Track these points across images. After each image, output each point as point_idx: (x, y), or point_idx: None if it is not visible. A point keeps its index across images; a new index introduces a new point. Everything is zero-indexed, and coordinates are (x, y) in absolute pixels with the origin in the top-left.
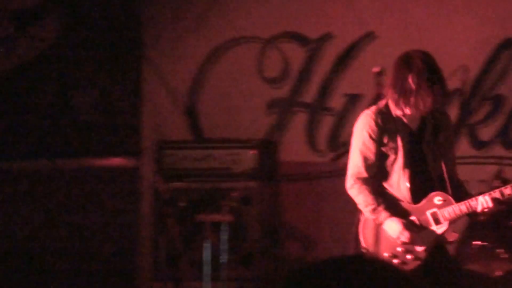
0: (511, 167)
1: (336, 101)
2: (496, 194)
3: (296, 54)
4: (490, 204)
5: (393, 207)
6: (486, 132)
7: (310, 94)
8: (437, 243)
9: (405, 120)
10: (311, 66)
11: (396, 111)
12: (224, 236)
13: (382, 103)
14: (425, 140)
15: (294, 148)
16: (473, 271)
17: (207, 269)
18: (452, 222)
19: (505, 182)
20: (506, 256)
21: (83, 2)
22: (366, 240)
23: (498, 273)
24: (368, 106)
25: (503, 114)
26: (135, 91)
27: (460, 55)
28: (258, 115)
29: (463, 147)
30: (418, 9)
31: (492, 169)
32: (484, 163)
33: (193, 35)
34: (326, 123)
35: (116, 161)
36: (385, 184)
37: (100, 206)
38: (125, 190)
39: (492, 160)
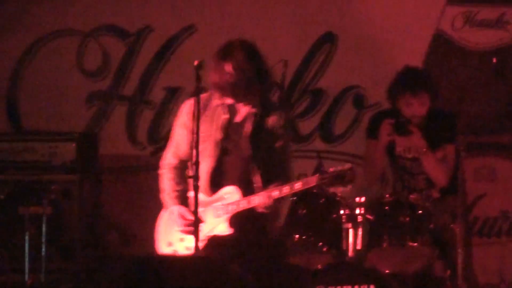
0: (331, 160)
1: (156, 95)
2: (276, 192)
3: (116, 48)
4: (265, 200)
5: (190, 197)
6: (306, 126)
7: (130, 87)
8: (214, 237)
9: (225, 110)
10: (131, 59)
11: (216, 101)
12: (44, 228)
13: (204, 94)
14: (247, 135)
15: (114, 141)
16: (295, 264)
17: (27, 262)
18: (233, 216)
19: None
20: (325, 249)
21: None
22: (157, 228)
23: (319, 265)
24: (188, 98)
25: (323, 108)
26: None
27: (280, 49)
28: (78, 108)
29: None
30: (238, 2)
31: (312, 162)
32: (304, 157)
33: (12, 28)
34: (146, 116)
35: None
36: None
37: None
38: None
39: (312, 154)
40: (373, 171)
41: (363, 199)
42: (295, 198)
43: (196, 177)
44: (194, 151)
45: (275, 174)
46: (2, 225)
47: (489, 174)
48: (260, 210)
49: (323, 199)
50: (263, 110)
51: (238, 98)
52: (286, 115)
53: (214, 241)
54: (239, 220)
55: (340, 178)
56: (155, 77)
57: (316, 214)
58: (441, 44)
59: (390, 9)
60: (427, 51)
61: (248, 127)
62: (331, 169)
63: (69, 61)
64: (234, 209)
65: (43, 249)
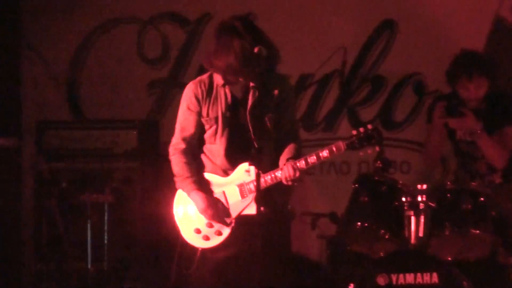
0: (392, 148)
1: None
2: (301, 163)
3: (176, 35)
4: (291, 173)
5: (208, 179)
6: (367, 113)
7: (190, 75)
8: (244, 218)
9: (228, 88)
10: (191, 46)
11: (218, 80)
12: (106, 216)
13: (205, 74)
14: (249, 107)
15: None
16: (357, 252)
17: (89, 250)
18: (259, 194)
19: (385, 163)
20: (387, 237)
21: None
22: (177, 216)
23: (381, 253)
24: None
25: (383, 95)
26: (15, 71)
27: (340, 36)
28: (139, 96)
29: (344, 129)
30: None
31: (373, 150)
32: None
33: (73, 15)
34: None
35: None
36: (208, 154)
37: None
38: (5, 170)
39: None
40: (430, 155)
41: (424, 186)
42: (356, 185)
43: (258, 176)
44: (215, 133)
45: (285, 142)
46: (64, 213)
47: None
48: (286, 182)
49: (385, 187)
50: (264, 83)
51: (245, 77)
52: (289, 83)
53: (244, 221)
54: (266, 196)
55: (366, 140)
56: None
57: (378, 202)
58: (501, 29)
59: None
60: (487, 36)
61: (249, 103)
62: (354, 132)
63: (129, 49)
64: (259, 186)
65: (105, 237)
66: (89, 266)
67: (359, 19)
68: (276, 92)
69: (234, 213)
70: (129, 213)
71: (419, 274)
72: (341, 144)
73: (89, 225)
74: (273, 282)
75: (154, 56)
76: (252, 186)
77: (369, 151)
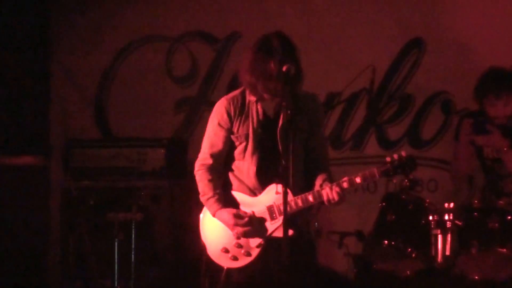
0: (419, 166)
1: None
2: (337, 187)
3: (205, 53)
4: (335, 196)
5: (236, 198)
6: (395, 132)
7: (218, 94)
8: (274, 241)
9: (260, 106)
10: (219, 65)
11: (250, 97)
12: (134, 234)
13: (237, 90)
14: (280, 126)
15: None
16: (383, 270)
17: (116, 268)
18: (289, 216)
19: (412, 182)
20: (414, 255)
21: None
22: (204, 234)
23: (408, 272)
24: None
25: (410, 113)
26: (44, 90)
27: (368, 55)
28: (167, 114)
29: (371, 147)
30: (328, 8)
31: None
32: None
33: (101, 34)
34: None
35: (25, 159)
36: (236, 173)
37: (9, 204)
38: (34, 188)
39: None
40: (457, 172)
41: (452, 205)
42: (384, 204)
43: (285, 193)
44: (245, 151)
45: (314, 163)
46: (92, 231)
47: None
48: (315, 207)
49: (412, 205)
50: (295, 102)
51: (278, 94)
52: (319, 103)
53: (273, 244)
54: (296, 220)
55: (400, 167)
56: None
57: (405, 220)
58: None
59: (476, 14)
60: None
61: (280, 122)
62: (388, 159)
63: (158, 67)
64: (289, 209)
65: (132, 255)
66: (116, 284)
67: (387, 37)
68: (307, 112)
69: (263, 234)
70: (156, 231)
71: None
72: (375, 171)
73: (116, 243)
74: None
75: (182, 74)
76: (282, 208)
77: (406, 181)
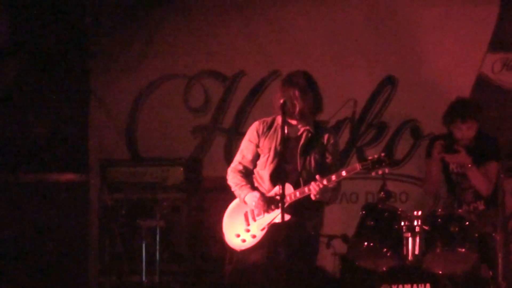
0: (393, 181)
1: (249, 126)
2: (324, 181)
3: (216, 88)
4: (316, 188)
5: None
6: (372, 153)
7: (227, 121)
8: (274, 224)
9: (286, 129)
10: (228, 98)
11: (278, 122)
12: (158, 237)
13: (269, 118)
14: (299, 146)
15: (215, 165)
16: (364, 267)
17: (144, 265)
18: (289, 205)
19: (387, 194)
20: (389, 254)
21: (38, 46)
22: (224, 224)
23: (384, 268)
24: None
25: (385, 138)
26: (84, 118)
27: (350, 90)
28: (185, 139)
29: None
30: (316, 52)
31: (378, 183)
32: (371, 178)
33: (133, 70)
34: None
35: (68, 176)
36: (257, 178)
37: (55, 214)
38: (75, 200)
39: (377, 176)
40: (430, 184)
41: (420, 212)
42: (364, 212)
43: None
44: (266, 161)
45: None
46: (123, 235)
47: None
48: (313, 197)
49: (387, 213)
50: (316, 129)
51: (300, 117)
52: (334, 137)
53: (273, 227)
54: (299, 208)
55: (378, 163)
56: (248, 113)
57: (381, 225)
58: (482, 84)
59: (441, 55)
60: (472, 89)
61: (301, 141)
62: (370, 158)
63: (177, 100)
64: (289, 199)
65: (157, 255)
66: (144, 279)
67: (366, 75)
68: (324, 138)
69: (268, 220)
70: (176, 235)
71: (415, 285)
72: (357, 166)
73: (143, 245)
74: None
75: (197, 106)
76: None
77: (380, 171)
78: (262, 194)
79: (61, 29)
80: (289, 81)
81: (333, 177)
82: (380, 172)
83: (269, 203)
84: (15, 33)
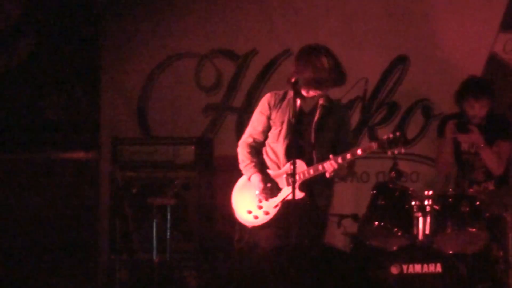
0: (404, 160)
1: None
2: (339, 158)
3: (227, 67)
4: (331, 167)
5: (265, 169)
6: (383, 132)
7: (239, 100)
8: (288, 201)
9: (298, 102)
10: (240, 77)
11: (291, 95)
12: (169, 216)
13: (280, 91)
14: (314, 119)
15: (226, 144)
16: (374, 246)
17: (155, 243)
18: (302, 182)
19: (398, 174)
20: (400, 234)
21: (49, 25)
22: (234, 199)
23: (394, 247)
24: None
25: (397, 117)
26: (95, 96)
27: (362, 69)
28: (196, 117)
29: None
30: (328, 29)
31: (389, 162)
32: (382, 158)
33: (144, 48)
34: None
35: (79, 154)
36: (270, 153)
37: (66, 192)
38: (87, 178)
39: (389, 155)
40: (443, 163)
41: (431, 192)
42: (375, 191)
43: (293, 174)
44: (279, 134)
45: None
46: (135, 214)
47: None
48: (328, 175)
49: (398, 193)
50: (331, 103)
51: (324, 90)
52: (348, 114)
53: (287, 204)
54: (310, 185)
55: (394, 143)
56: (259, 92)
57: (392, 205)
58: (494, 64)
59: (453, 35)
60: (483, 69)
61: (316, 116)
62: (385, 136)
63: (189, 78)
64: (302, 176)
65: (168, 233)
66: (155, 257)
67: (378, 54)
68: (339, 114)
69: (281, 197)
70: (187, 213)
71: (425, 265)
72: (374, 144)
73: (154, 223)
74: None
75: (209, 84)
76: (297, 177)
77: (396, 151)
78: (266, 179)
79: (72, 9)
80: (313, 50)
81: (348, 155)
82: (396, 151)
83: (275, 187)
84: (27, 13)
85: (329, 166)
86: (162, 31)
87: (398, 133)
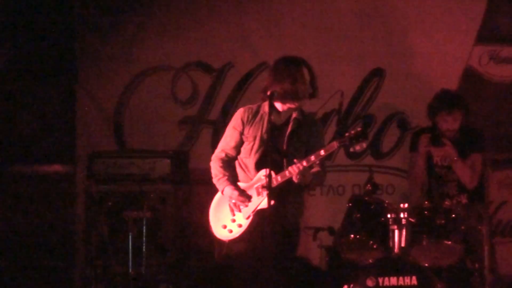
0: (379, 173)
1: None
2: (304, 162)
3: (203, 80)
4: (296, 170)
5: (239, 186)
6: (359, 146)
7: (214, 113)
8: (259, 211)
9: (272, 117)
10: (215, 90)
11: (264, 109)
12: (144, 229)
13: (254, 105)
14: (286, 132)
15: (202, 157)
16: (350, 259)
17: (130, 257)
18: (272, 191)
19: (374, 186)
20: (375, 246)
21: (25, 36)
22: (210, 216)
23: (370, 260)
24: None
25: (372, 130)
26: (71, 109)
27: (338, 82)
28: (172, 130)
29: (341, 158)
30: (305, 43)
31: (364, 175)
32: (357, 171)
33: (118, 63)
34: None
35: (55, 168)
36: (242, 165)
37: (42, 205)
38: (62, 192)
39: (364, 168)
40: (415, 179)
41: (406, 205)
42: (350, 204)
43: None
44: (252, 148)
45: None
46: (110, 227)
47: (510, 184)
48: (295, 180)
49: (373, 205)
50: (304, 116)
51: (300, 102)
52: (320, 126)
53: (258, 214)
54: (280, 193)
55: (355, 139)
56: (235, 105)
57: (368, 218)
58: (470, 76)
59: (429, 47)
60: (459, 82)
61: (288, 129)
62: (346, 134)
63: (165, 92)
64: (271, 183)
65: (144, 247)
66: (130, 270)
67: (354, 67)
68: (310, 126)
69: (252, 208)
70: (163, 226)
71: (401, 278)
72: (335, 143)
73: (130, 237)
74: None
75: (185, 97)
76: (266, 185)
77: (357, 147)
78: (239, 189)
79: (48, 22)
80: (293, 61)
81: (312, 157)
82: (357, 147)
83: (247, 196)
84: (2, 25)
85: (294, 169)
86: (139, 44)
87: (359, 129)
